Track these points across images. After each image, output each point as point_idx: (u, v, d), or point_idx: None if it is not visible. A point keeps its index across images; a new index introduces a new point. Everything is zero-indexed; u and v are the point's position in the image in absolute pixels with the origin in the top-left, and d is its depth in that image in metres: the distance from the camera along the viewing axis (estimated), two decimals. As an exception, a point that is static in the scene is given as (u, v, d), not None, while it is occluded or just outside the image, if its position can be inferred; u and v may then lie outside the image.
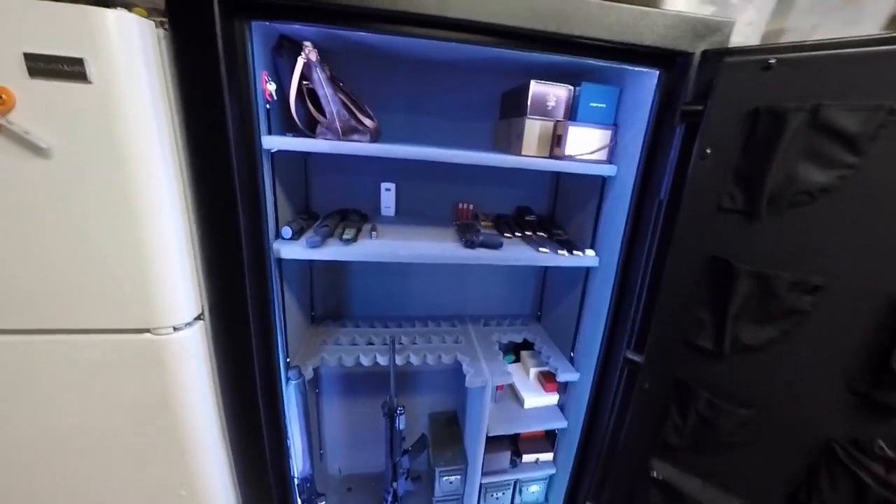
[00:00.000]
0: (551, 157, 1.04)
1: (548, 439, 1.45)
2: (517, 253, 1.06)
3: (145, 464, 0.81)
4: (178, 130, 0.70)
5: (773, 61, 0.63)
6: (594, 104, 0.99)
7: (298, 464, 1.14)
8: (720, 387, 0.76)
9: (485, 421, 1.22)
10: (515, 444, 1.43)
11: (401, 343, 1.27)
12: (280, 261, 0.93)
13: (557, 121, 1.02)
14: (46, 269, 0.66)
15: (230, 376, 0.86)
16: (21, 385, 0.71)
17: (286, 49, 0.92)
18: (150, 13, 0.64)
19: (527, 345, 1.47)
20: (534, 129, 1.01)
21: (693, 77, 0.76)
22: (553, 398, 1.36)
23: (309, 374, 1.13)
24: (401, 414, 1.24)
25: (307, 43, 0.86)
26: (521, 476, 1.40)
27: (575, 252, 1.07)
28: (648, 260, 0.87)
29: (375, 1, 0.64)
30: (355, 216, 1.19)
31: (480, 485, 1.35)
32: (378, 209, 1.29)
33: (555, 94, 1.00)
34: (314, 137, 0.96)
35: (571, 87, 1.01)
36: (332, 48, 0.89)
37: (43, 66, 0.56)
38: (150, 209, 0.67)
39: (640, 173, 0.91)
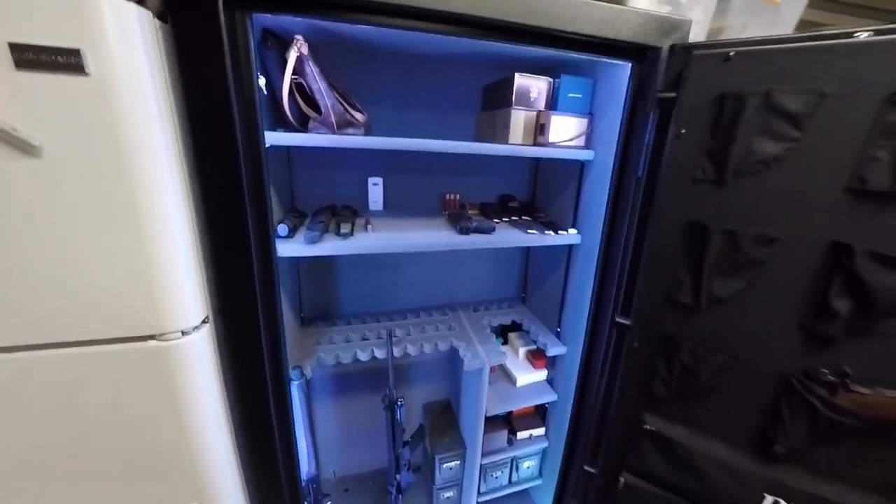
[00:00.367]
0: (535, 144, 1.11)
1: (538, 415, 1.54)
2: (509, 236, 1.12)
3: (154, 477, 0.77)
4: (179, 126, 0.67)
5: (732, 53, 0.74)
6: (572, 95, 1.08)
7: (304, 465, 1.12)
8: (700, 337, 0.87)
9: (483, 402, 1.27)
10: (510, 423, 1.50)
11: (395, 336, 1.28)
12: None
13: (539, 111, 1.09)
14: (41, 278, 0.61)
15: (239, 379, 0.84)
16: (19, 407, 0.65)
17: (271, 43, 0.90)
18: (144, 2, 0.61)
19: (514, 327, 1.55)
20: (519, 119, 1.08)
21: (662, 68, 0.86)
22: (542, 374, 1.45)
23: (309, 373, 1.12)
24: (401, 405, 1.25)
25: (298, 36, 0.86)
26: (517, 453, 1.47)
27: (560, 231, 1.16)
28: (630, 231, 0.97)
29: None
30: (346, 211, 1.18)
31: (481, 466, 1.41)
32: (366, 204, 1.29)
33: (536, 86, 1.07)
34: (307, 132, 0.95)
35: (551, 80, 1.09)
36: (318, 43, 0.89)
37: (33, 58, 0.52)
38: (155, 208, 0.64)
39: (618, 155, 1.00)
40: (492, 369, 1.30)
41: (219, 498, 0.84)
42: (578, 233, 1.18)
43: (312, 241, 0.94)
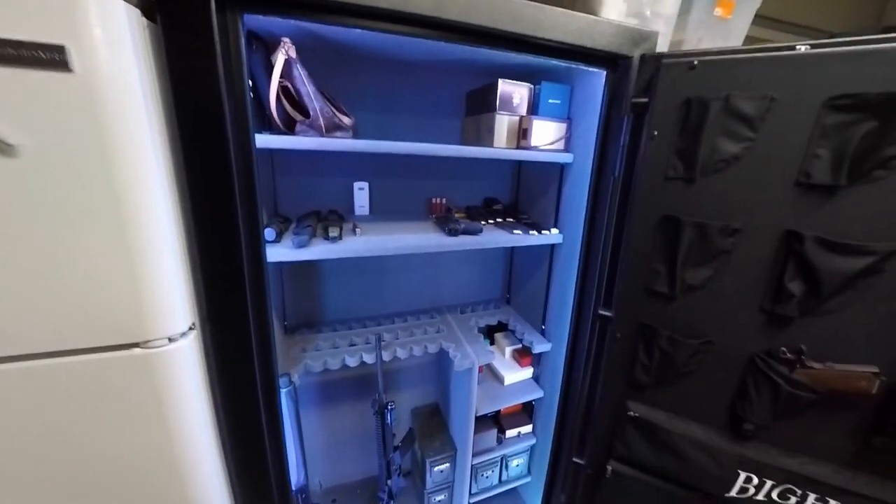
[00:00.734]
0: (519, 147, 1.16)
1: (525, 412, 1.57)
2: (495, 237, 1.16)
3: (139, 492, 0.73)
4: (167, 128, 0.66)
5: (696, 63, 0.82)
6: (552, 100, 1.14)
7: (293, 475, 1.09)
8: (676, 324, 0.93)
9: (473, 402, 1.29)
10: (498, 422, 1.52)
11: (384, 340, 1.28)
12: (263, 265, 0.90)
13: (522, 115, 1.14)
14: (16, 283, 0.57)
15: (228, 387, 0.81)
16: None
17: (256, 46, 0.90)
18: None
19: (500, 327, 1.58)
20: (503, 123, 1.13)
21: (634, 76, 0.93)
22: (528, 372, 1.48)
23: (297, 381, 1.09)
24: (391, 409, 1.25)
25: (286, 39, 0.86)
26: (506, 451, 1.49)
27: (543, 231, 1.21)
28: (609, 228, 1.03)
29: (381, 0, 0.68)
30: (332, 216, 1.18)
31: (472, 467, 1.42)
32: (351, 209, 1.29)
33: (519, 91, 1.13)
34: (294, 136, 0.95)
35: (532, 86, 1.14)
36: (302, 46, 0.89)
37: (13, 53, 0.50)
38: (141, 211, 0.62)
39: (596, 157, 1.06)
40: (480, 369, 1.32)
41: (208, 512, 0.81)
42: (560, 232, 1.24)
43: (301, 245, 0.93)
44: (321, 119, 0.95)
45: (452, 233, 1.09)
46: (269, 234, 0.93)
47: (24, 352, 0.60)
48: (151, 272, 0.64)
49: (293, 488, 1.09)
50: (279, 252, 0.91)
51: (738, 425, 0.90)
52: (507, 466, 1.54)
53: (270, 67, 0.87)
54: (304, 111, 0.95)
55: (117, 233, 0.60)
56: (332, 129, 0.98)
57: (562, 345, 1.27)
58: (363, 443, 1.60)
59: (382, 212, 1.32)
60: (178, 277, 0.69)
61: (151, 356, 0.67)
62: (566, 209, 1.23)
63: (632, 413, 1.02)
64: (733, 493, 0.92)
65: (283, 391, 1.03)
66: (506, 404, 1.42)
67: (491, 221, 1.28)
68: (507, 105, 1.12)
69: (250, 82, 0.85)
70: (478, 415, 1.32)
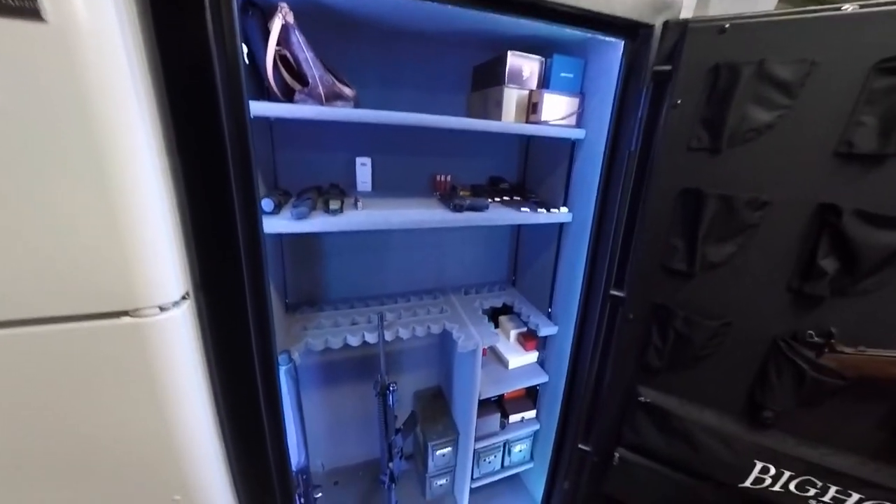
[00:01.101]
0: (528, 123, 1.10)
1: (529, 397, 1.54)
2: (502, 214, 1.11)
3: (132, 469, 0.70)
4: (155, 89, 0.61)
5: (727, 26, 0.75)
6: (564, 74, 1.08)
7: (294, 455, 1.07)
8: (693, 304, 0.88)
9: (476, 384, 1.26)
10: (502, 406, 1.50)
11: (386, 320, 1.25)
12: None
13: (532, 90, 1.08)
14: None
15: (225, 361, 0.78)
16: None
17: (252, 12, 0.85)
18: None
19: (504, 310, 1.54)
20: (511, 97, 1.07)
21: (656, 45, 0.87)
22: (533, 356, 1.45)
23: (297, 358, 1.07)
24: (393, 390, 1.22)
25: (283, 4, 0.81)
26: (509, 436, 1.47)
27: (552, 209, 1.16)
28: (623, 205, 0.97)
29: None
30: (334, 190, 1.14)
31: (474, 451, 1.39)
32: (353, 184, 1.24)
33: (529, 65, 1.07)
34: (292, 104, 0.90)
35: (542, 59, 1.08)
36: (300, 14, 0.84)
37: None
38: (126, 170, 0.58)
39: (611, 131, 1.00)
40: (484, 352, 1.29)
41: (204, 490, 0.79)
42: (570, 211, 1.18)
43: (301, 217, 0.89)
44: (321, 87, 0.90)
45: (457, 208, 1.05)
46: (266, 204, 0.89)
47: (2, 318, 0.57)
48: (138, 234, 0.60)
49: (293, 469, 1.08)
50: (277, 223, 0.87)
51: (756, 412, 0.86)
52: (509, 452, 1.52)
53: (268, 35, 0.82)
54: (303, 80, 0.91)
55: (98, 190, 0.56)
56: (333, 98, 0.93)
57: (569, 328, 1.23)
58: (366, 425, 1.59)
59: (385, 188, 1.27)
60: (168, 242, 0.65)
61: (142, 326, 0.64)
62: (576, 187, 1.18)
63: (643, 399, 0.98)
64: (748, 483, 0.88)
65: (283, 369, 1.00)
66: (510, 388, 1.39)
67: (497, 200, 1.23)
68: (517, 78, 1.06)
69: (245, 47, 0.81)
70: (481, 398, 1.30)
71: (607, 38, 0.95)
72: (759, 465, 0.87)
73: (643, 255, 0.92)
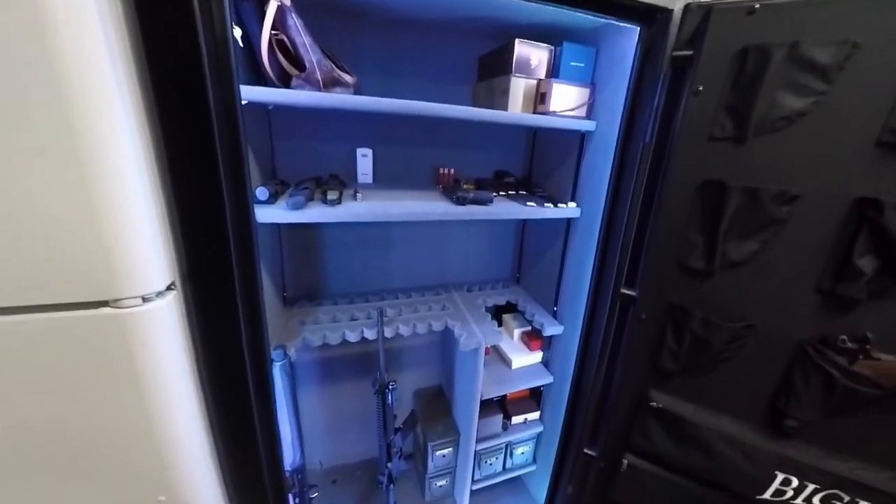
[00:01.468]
0: (536, 113, 1.05)
1: (533, 398, 1.49)
2: (507, 208, 1.06)
3: (114, 470, 0.67)
4: (137, 69, 0.57)
5: (757, 6, 0.69)
6: (574, 63, 1.03)
7: (288, 454, 1.04)
8: (712, 304, 0.83)
9: (478, 384, 1.21)
10: (504, 407, 1.45)
11: (387, 316, 1.21)
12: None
13: (540, 79, 1.03)
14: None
15: (214, 356, 0.75)
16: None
17: (249, -6, 0.81)
18: None
19: (508, 308, 1.50)
20: (519, 86, 1.02)
21: (674, 30, 0.82)
22: (537, 356, 1.40)
23: (293, 354, 1.03)
24: (393, 388, 1.18)
25: (279, -16, 0.76)
26: (511, 438, 1.42)
27: (560, 204, 1.11)
28: (636, 199, 0.92)
29: None
30: (333, 181, 1.09)
31: (475, 452, 1.35)
32: (353, 176, 1.20)
33: (537, 54, 1.02)
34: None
35: (552, 48, 1.03)
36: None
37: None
38: (104, 151, 0.54)
39: (623, 122, 0.95)
40: (486, 351, 1.25)
41: (190, 490, 0.75)
42: (578, 206, 1.13)
43: (297, 207, 0.85)
44: (318, 72, 0.85)
45: (461, 201, 1.00)
46: (261, 193, 0.85)
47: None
48: (118, 221, 0.56)
49: (288, 468, 1.04)
50: (273, 213, 0.83)
51: (778, 421, 0.80)
52: (511, 454, 1.47)
53: (263, 17, 0.78)
54: (300, 65, 0.86)
55: (75, 175, 0.52)
56: (332, 84, 0.88)
57: (575, 328, 1.18)
58: (365, 423, 1.55)
59: (386, 180, 1.23)
60: (152, 230, 0.61)
61: (123, 317, 0.60)
62: (586, 181, 1.12)
63: (654, 404, 0.93)
64: (767, 495, 0.83)
65: (278, 364, 0.97)
66: (513, 389, 1.34)
67: (502, 193, 1.18)
68: (524, 67, 1.01)
69: (239, 30, 0.77)
70: (483, 399, 1.25)
71: (622, 24, 0.90)
72: (780, 477, 0.81)
73: (658, 251, 0.87)
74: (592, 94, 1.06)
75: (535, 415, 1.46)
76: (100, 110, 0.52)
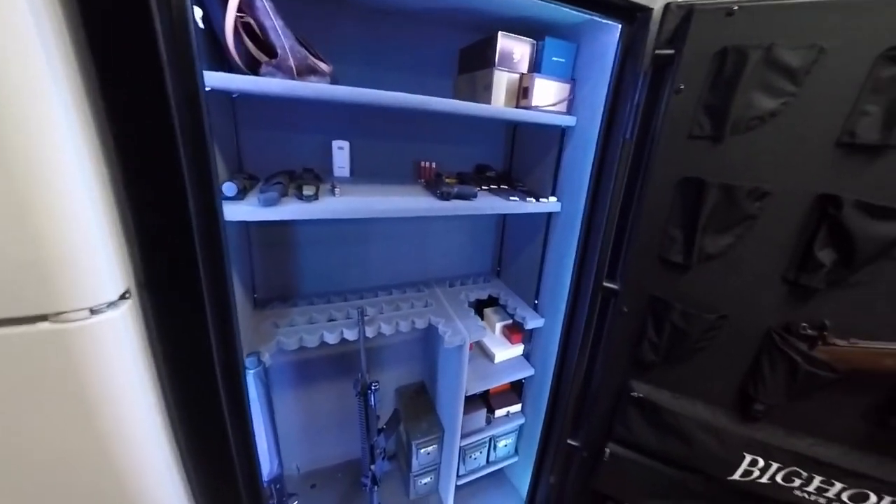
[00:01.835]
0: (518, 107, 1.03)
1: (514, 391, 1.51)
2: (490, 202, 1.05)
3: (64, 495, 0.60)
4: (78, 55, 0.50)
5: (735, 8, 0.71)
6: (556, 58, 1.02)
7: (265, 464, 0.99)
8: (691, 296, 0.86)
9: (463, 381, 1.21)
10: (487, 402, 1.46)
11: (367, 315, 1.17)
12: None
13: (522, 73, 1.02)
14: None
15: (179, 368, 0.69)
16: None
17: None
18: None
19: (489, 302, 1.50)
20: (502, 80, 1.00)
21: (655, 28, 0.83)
22: (519, 349, 1.42)
23: (268, 360, 0.98)
24: (375, 390, 1.15)
25: (243, -46, 0.69)
26: (495, 431, 1.43)
27: (541, 199, 1.11)
28: (616, 195, 0.93)
29: None
30: (308, 175, 1.03)
31: (460, 448, 1.35)
32: (329, 170, 1.14)
33: (519, 47, 1.00)
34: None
35: (534, 42, 1.01)
36: None
37: None
38: (38, 148, 0.47)
39: (604, 118, 0.96)
40: (470, 347, 1.24)
41: (157, 515, 0.69)
42: (559, 200, 1.14)
43: (270, 203, 0.79)
44: (291, 59, 0.79)
45: (445, 196, 0.98)
46: (228, 188, 0.78)
47: None
48: (55, 224, 0.49)
49: (265, 479, 0.99)
50: (242, 210, 0.77)
51: (747, 406, 0.85)
52: (495, 447, 1.49)
53: None
54: (270, 51, 0.80)
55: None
56: (306, 72, 0.82)
57: (556, 321, 1.20)
58: (344, 424, 1.51)
59: (365, 174, 1.18)
60: (100, 234, 0.54)
61: (66, 332, 0.53)
62: (566, 176, 1.13)
63: (635, 393, 0.95)
64: (736, 475, 0.88)
65: (251, 373, 0.91)
66: (496, 383, 1.35)
67: (484, 188, 1.16)
68: (507, 61, 1.00)
69: (199, 10, 0.69)
70: (467, 394, 1.25)
71: (603, 21, 0.91)
72: (748, 458, 0.87)
73: (639, 246, 0.89)
74: (573, 90, 1.06)
75: (517, 407, 1.48)
76: (31, 103, 0.45)
